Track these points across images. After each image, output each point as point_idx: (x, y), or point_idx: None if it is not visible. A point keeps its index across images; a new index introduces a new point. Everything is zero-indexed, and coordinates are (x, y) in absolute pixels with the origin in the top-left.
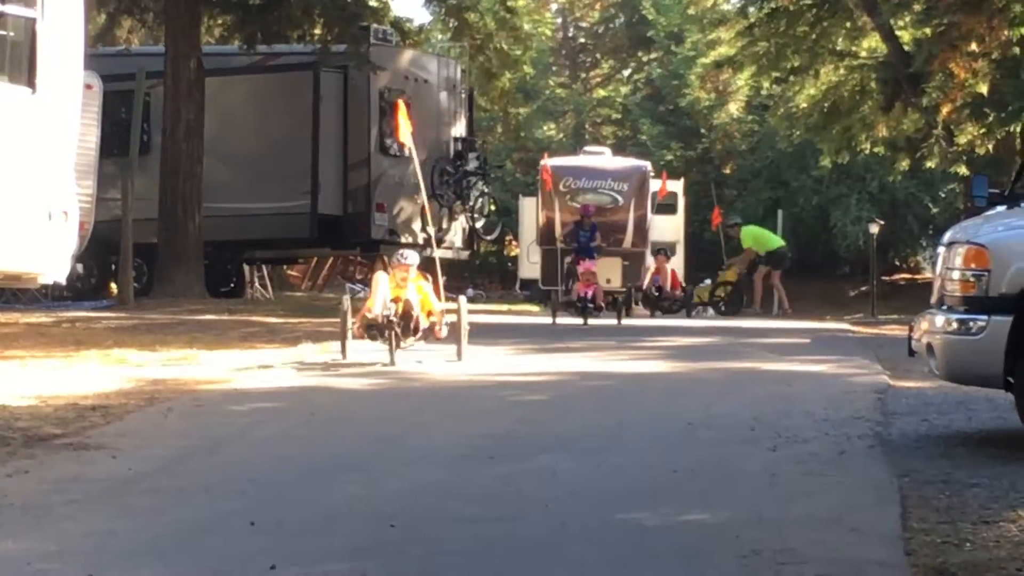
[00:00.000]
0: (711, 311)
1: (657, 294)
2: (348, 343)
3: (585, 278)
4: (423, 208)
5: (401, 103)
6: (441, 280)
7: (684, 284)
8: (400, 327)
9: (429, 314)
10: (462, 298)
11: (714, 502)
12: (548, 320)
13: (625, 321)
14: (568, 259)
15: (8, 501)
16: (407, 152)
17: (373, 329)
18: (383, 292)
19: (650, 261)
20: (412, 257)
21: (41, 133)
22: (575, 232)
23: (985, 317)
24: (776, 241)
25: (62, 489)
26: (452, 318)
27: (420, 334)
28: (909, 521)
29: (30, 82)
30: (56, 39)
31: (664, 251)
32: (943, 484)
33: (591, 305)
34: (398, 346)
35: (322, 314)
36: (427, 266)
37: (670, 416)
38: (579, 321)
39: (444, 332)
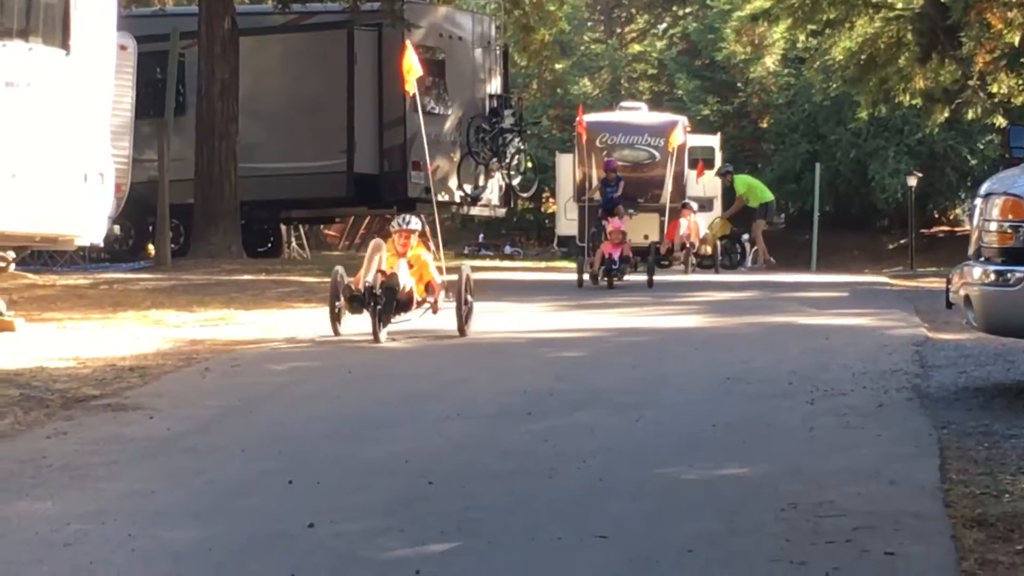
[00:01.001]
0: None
1: (694, 250)
2: (344, 318)
3: (614, 238)
4: (458, 166)
5: (408, 44)
6: (439, 250)
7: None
8: (384, 302)
9: (427, 287)
10: (465, 267)
11: (752, 456)
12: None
13: (659, 277)
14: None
15: (47, 462)
16: (411, 97)
17: (357, 302)
18: (376, 261)
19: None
20: (414, 222)
21: (76, 95)
22: (602, 188)
23: (1023, 268)
24: (769, 194)
25: (100, 450)
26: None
27: (416, 309)
28: (948, 473)
29: (64, 44)
30: (90, 1)
31: (688, 204)
32: (981, 435)
33: (614, 267)
34: (384, 323)
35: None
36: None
37: (707, 371)
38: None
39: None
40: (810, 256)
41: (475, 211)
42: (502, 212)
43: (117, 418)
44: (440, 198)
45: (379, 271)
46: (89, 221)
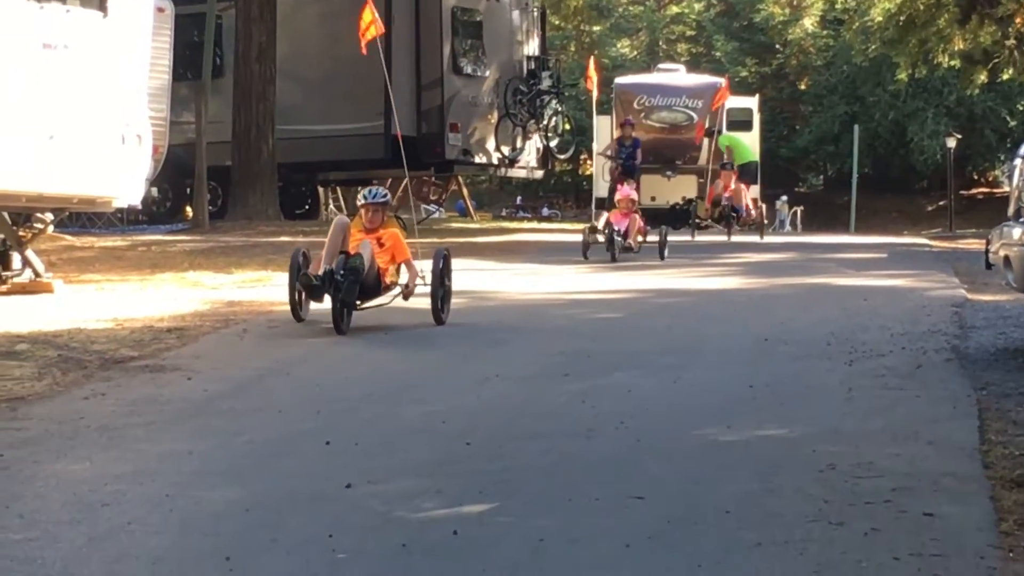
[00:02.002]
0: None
1: (735, 213)
2: (305, 304)
3: (623, 206)
4: (496, 128)
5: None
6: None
7: (757, 200)
8: (346, 286)
9: (398, 269)
10: (440, 249)
11: (790, 417)
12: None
13: (698, 238)
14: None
15: (85, 423)
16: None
17: (316, 291)
18: (338, 242)
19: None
20: (381, 195)
21: (113, 57)
22: (616, 147)
23: None
24: (751, 155)
25: (138, 411)
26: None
27: (386, 294)
28: (987, 434)
29: (101, 6)
30: None
31: (727, 165)
32: (1021, 396)
33: (623, 240)
34: (348, 310)
35: None
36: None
37: (745, 332)
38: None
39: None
40: (848, 218)
41: (512, 173)
42: (539, 174)
43: (155, 379)
44: (478, 160)
45: (343, 252)
46: (127, 183)
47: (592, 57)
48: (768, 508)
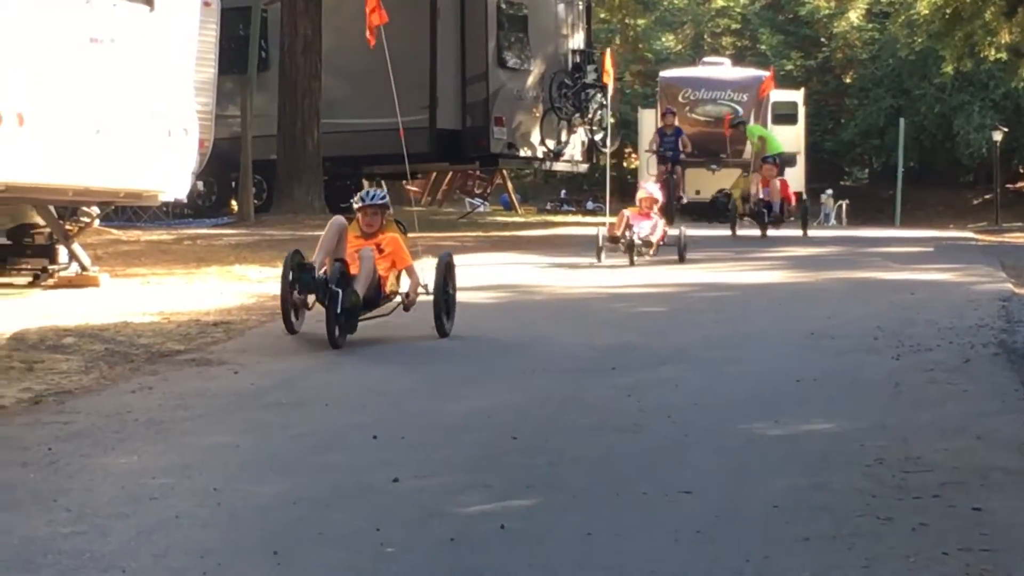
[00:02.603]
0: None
1: (766, 210)
2: (301, 314)
3: (644, 205)
4: (541, 121)
5: None
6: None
7: (802, 195)
8: (340, 294)
9: (399, 276)
10: (444, 255)
11: (837, 411)
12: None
13: (742, 232)
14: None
15: (132, 416)
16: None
17: (304, 302)
18: (331, 245)
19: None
20: (380, 196)
21: (160, 51)
22: (659, 138)
23: None
24: (779, 146)
25: (185, 404)
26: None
27: (385, 305)
28: None
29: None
30: None
31: (773, 159)
32: None
33: (641, 242)
34: (340, 322)
35: (441, 228)
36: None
37: (791, 326)
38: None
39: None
40: (894, 211)
41: (557, 167)
42: (584, 168)
43: (201, 373)
44: (523, 154)
45: (338, 260)
46: (173, 176)
47: (609, 50)
48: (815, 502)
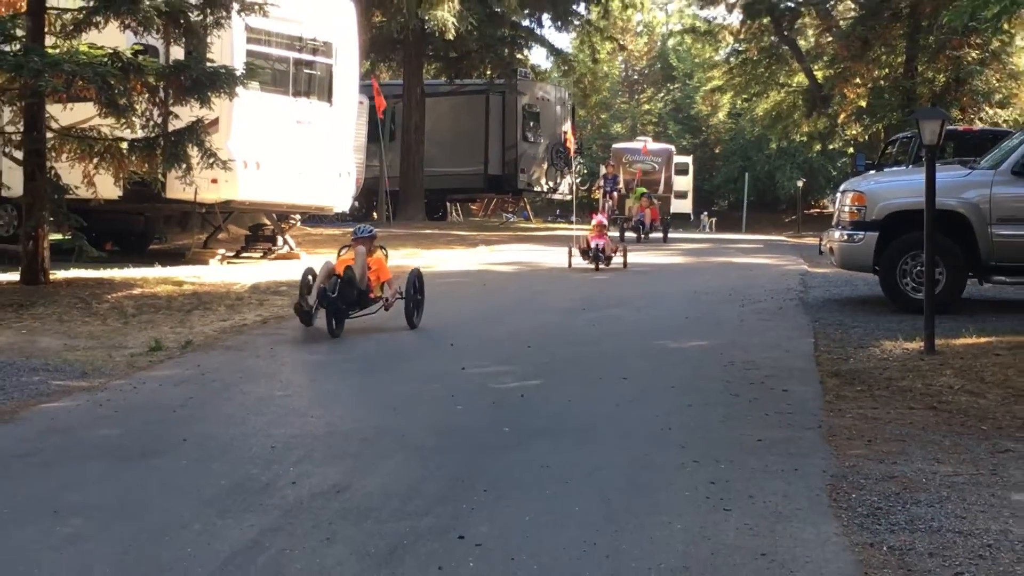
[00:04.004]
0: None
1: (642, 225)
2: (316, 312)
3: (596, 230)
4: (545, 171)
5: (375, 83)
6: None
7: (666, 216)
8: (337, 292)
9: (382, 286)
10: (415, 268)
11: (708, 335)
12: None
13: (656, 235)
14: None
15: (322, 333)
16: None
17: (306, 316)
18: (327, 270)
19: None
20: (367, 231)
21: (335, 128)
22: (603, 181)
23: (862, 233)
24: (643, 191)
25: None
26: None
27: (372, 306)
28: (818, 346)
29: (329, 99)
30: (343, 75)
31: (647, 195)
32: (838, 325)
33: (601, 254)
34: (337, 318)
35: (489, 230)
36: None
37: (683, 288)
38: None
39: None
40: (741, 225)
41: (555, 196)
42: (569, 197)
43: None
44: (536, 188)
45: (335, 275)
46: (341, 199)
47: (571, 126)
48: (696, 385)
